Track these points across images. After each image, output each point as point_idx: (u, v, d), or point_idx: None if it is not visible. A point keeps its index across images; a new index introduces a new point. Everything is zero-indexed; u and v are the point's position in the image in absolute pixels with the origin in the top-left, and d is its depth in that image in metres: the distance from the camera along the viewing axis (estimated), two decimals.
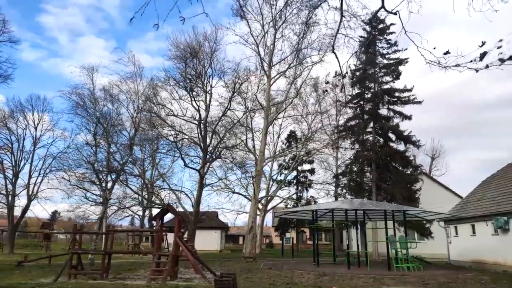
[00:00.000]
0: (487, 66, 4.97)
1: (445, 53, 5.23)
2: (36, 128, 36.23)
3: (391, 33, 27.30)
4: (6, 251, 32.25)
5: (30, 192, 34.74)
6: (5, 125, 34.34)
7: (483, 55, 4.90)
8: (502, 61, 4.76)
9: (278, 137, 38.40)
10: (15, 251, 31.81)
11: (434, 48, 5.24)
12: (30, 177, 35.39)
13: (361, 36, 27.37)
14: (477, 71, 5.08)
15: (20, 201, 35.81)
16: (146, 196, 29.52)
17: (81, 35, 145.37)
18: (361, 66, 27.71)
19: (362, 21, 24.39)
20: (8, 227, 34.32)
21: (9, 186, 34.18)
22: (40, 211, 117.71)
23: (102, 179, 24.37)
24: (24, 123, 35.88)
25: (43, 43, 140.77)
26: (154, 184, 31.45)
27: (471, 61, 5.07)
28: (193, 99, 25.93)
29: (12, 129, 35.04)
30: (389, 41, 27.67)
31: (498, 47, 4.74)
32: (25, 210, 35.03)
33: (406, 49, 27.48)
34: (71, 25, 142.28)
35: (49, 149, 36.10)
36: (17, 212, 35.56)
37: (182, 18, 3.86)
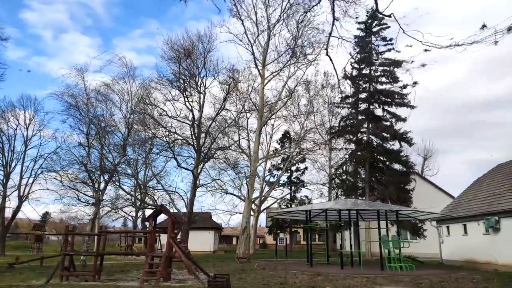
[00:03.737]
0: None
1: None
2: (27, 129, 35.81)
3: (388, 27, 27.09)
4: None
5: (21, 193, 34.35)
6: None
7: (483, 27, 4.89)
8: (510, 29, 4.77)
9: (271, 137, 38.50)
10: (6, 253, 31.40)
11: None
12: (21, 178, 34.94)
13: (355, 36, 27.30)
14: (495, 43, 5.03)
15: (11, 202, 35.28)
16: (139, 197, 29.36)
17: (66, 32, 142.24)
18: (356, 64, 27.69)
19: (357, 22, 24.57)
20: None
21: (0, 187, 33.77)
22: (31, 212, 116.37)
23: (95, 179, 24.18)
24: (15, 123, 35.48)
25: (27, 40, 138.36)
26: (147, 185, 31.29)
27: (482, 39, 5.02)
28: (186, 100, 25.83)
29: (3, 129, 34.62)
30: (385, 38, 27.60)
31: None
32: (16, 211, 34.62)
33: (399, 51, 27.38)
34: (56, 22, 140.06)
35: (41, 150, 35.72)
36: (8, 213, 35.18)
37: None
